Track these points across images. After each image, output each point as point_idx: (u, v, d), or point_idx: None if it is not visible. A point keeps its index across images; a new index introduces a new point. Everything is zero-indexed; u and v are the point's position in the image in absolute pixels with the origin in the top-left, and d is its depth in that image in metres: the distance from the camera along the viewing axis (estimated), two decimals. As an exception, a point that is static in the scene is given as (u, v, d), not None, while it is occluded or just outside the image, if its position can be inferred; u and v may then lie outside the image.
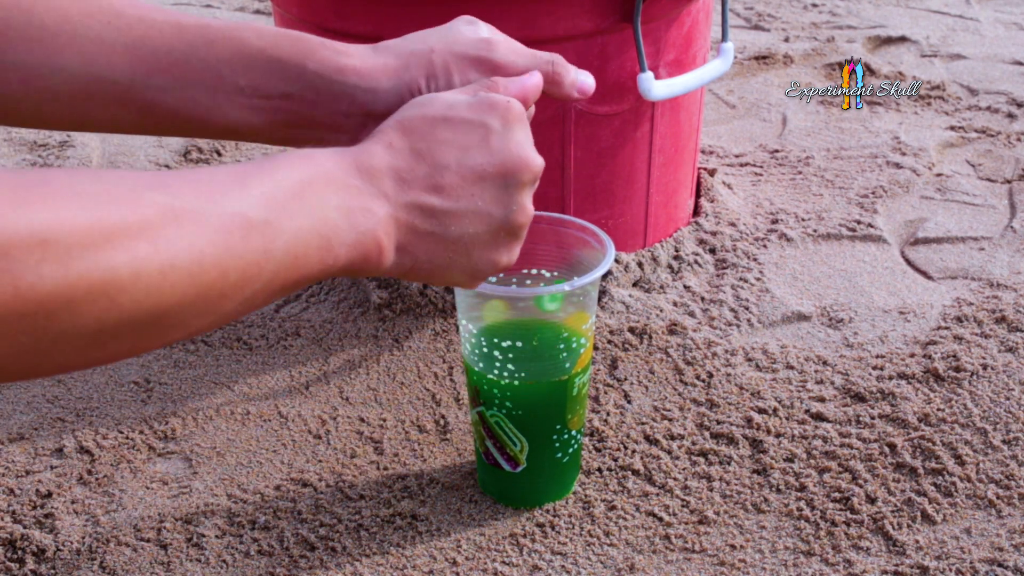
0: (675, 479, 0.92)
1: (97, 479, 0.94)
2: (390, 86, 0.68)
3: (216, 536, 0.87)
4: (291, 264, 0.54)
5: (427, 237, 0.62)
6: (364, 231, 0.58)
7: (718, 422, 0.98)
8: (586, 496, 0.90)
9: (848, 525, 0.87)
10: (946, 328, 1.11)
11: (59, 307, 0.43)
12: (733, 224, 1.29)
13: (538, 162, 0.65)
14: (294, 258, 0.54)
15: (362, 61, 0.68)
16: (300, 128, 0.69)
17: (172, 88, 0.66)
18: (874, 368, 1.05)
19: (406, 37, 0.70)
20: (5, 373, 0.44)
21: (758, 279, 1.20)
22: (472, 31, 0.70)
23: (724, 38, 1.18)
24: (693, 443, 0.96)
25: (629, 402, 1.01)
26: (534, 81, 0.69)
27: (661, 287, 1.18)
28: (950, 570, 0.82)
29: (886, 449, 0.94)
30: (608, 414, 0.99)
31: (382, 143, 0.61)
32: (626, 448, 0.95)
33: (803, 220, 1.32)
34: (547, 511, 0.89)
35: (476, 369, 0.84)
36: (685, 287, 1.18)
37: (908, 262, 1.25)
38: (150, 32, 0.65)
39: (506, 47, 0.70)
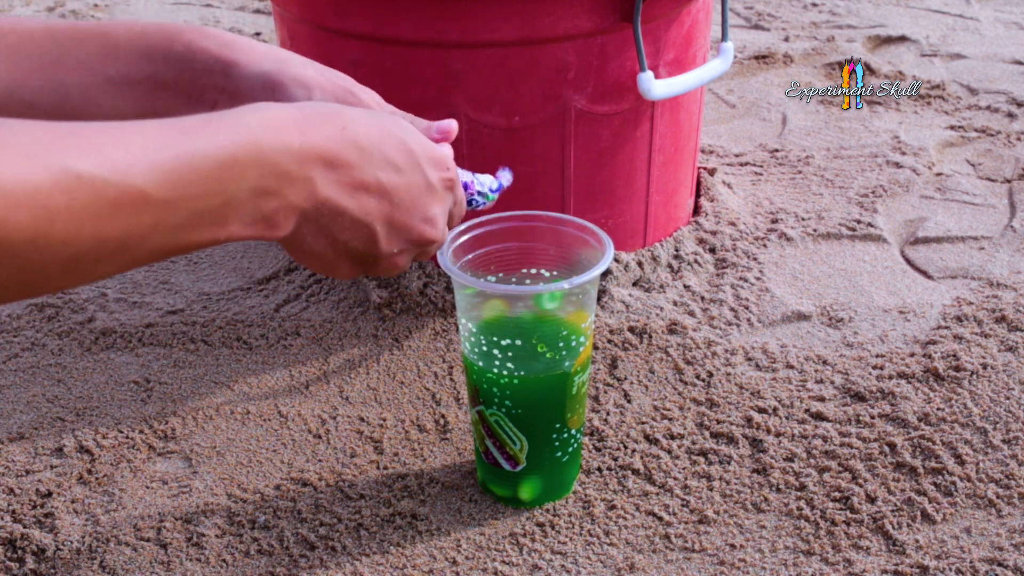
0: (675, 479, 0.92)
1: (97, 479, 0.94)
2: (256, 73, 0.70)
3: (216, 536, 0.87)
4: (179, 236, 0.54)
5: (321, 233, 0.62)
6: (268, 214, 0.58)
7: (718, 421, 0.98)
8: (586, 496, 0.90)
9: (848, 525, 0.86)
10: (946, 328, 1.11)
11: None
12: (733, 224, 1.29)
13: (440, 239, 0.68)
14: (184, 231, 0.53)
15: (241, 49, 0.70)
16: (165, 108, 0.71)
17: (48, 89, 0.69)
18: (874, 368, 1.05)
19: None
20: None
21: (758, 279, 1.20)
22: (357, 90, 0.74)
23: (724, 38, 1.18)
24: (693, 443, 0.96)
25: (629, 401, 1.01)
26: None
27: (661, 286, 1.18)
28: (950, 570, 0.82)
29: (886, 449, 0.94)
30: (608, 413, 0.99)
31: (335, 125, 0.60)
32: (626, 448, 0.95)
33: (803, 220, 1.32)
34: (547, 511, 0.89)
35: (476, 367, 0.84)
36: (685, 286, 1.18)
37: (908, 262, 1.25)
38: (24, 40, 0.69)
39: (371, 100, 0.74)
